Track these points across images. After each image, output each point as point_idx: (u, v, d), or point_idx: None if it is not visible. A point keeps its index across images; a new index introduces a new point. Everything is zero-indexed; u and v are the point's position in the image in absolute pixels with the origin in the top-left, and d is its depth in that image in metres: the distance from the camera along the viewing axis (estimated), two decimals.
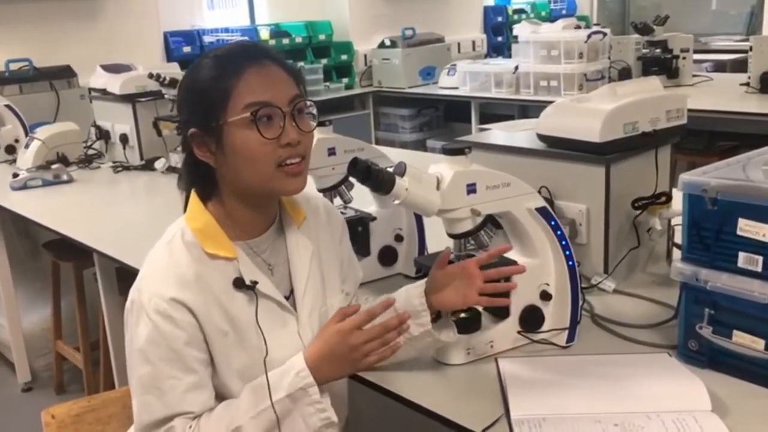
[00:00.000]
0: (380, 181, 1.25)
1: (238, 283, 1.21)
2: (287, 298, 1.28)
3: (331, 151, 1.69)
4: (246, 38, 5.15)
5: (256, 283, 1.22)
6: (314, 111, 1.25)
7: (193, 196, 1.27)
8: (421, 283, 1.33)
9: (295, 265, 1.30)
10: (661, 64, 4.35)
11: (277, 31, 5.49)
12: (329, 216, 1.41)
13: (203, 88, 1.19)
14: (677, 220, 1.52)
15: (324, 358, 1.20)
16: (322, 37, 5.60)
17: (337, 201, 1.76)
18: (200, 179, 1.26)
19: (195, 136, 1.20)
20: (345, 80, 5.65)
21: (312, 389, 1.17)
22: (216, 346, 1.20)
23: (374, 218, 1.76)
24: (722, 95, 4.06)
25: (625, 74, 4.34)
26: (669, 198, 1.67)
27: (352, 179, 1.63)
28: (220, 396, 1.22)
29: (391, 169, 1.27)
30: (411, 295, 1.31)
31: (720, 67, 5.63)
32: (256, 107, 1.15)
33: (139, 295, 1.19)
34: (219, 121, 1.17)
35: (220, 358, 1.20)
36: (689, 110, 1.75)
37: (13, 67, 3.94)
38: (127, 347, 1.21)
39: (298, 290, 1.29)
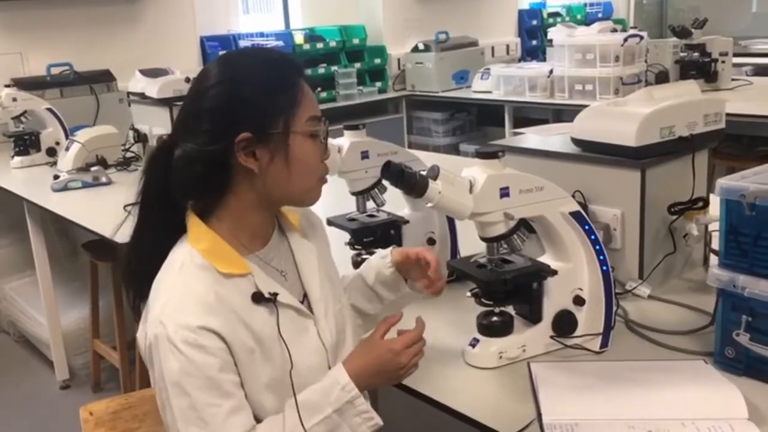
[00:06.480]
0: (413, 184, 1.26)
1: (257, 297, 1.19)
2: (302, 303, 1.28)
3: (365, 155, 1.70)
4: (277, 41, 5.20)
5: (275, 294, 1.20)
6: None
7: (192, 216, 1.21)
8: (385, 255, 1.40)
9: (305, 268, 1.30)
10: (700, 67, 4.28)
11: (312, 35, 5.53)
12: (312, 218, 1.41)
13: (264, 91, 1.15)
14: (714, 226, 1.50)
15: (372, 374, 1.20)
16: (355, 41, 5.62)
17: (370, 204, 1.77)
18: (207, 192, 1.20)
19: (245, 141, 1.15)
20: (378, 84, 5.66)
21: (358, 401, 1.17)
22: (245, 364, 1.17)
23: (407, 221, 1.76)
24: (762, 99, 3.98)
25: (662, 78, 4.28)
26: (706, 203, 1.65)
27: (385, 182, 1.64)
28: (253, 411, 1.19)
29: (424, 173, 1.28)
30: (381, 268, 1.40)
31: (761, 70, 5.51)
32: (318, 122, 1.20)
33: (163, 328, 1.12)
34: (283, 128, 1.16)
35: (249, 375, 1.17)
36: (728, 114, 1.72)
37: (55, 71, 4.02)
38: (157, 383, 1.15)
39: (313, 293, 1.29)
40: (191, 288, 1.15)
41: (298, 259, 1.30)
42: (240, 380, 1.17)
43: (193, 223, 1.21)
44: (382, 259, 1.41)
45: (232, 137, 1.14)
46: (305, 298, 1.29)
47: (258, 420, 1.18)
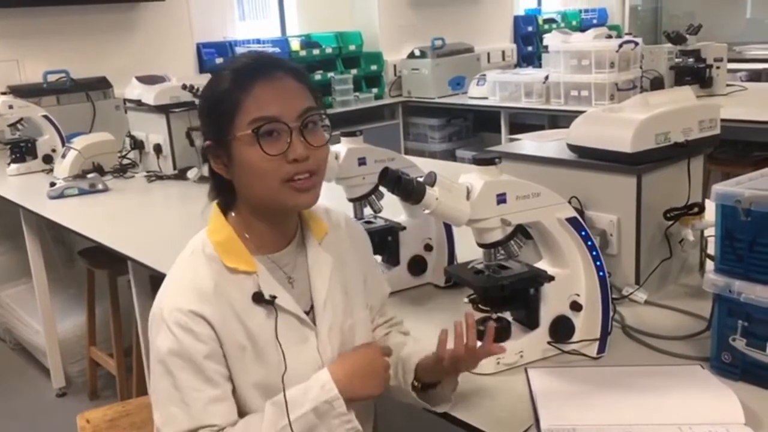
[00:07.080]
0: (411, 191, 1.26)
1: (257, 298, 1.20)
2: (308, 313, 1.27)
3: (362, 161, 1.70)
4: (273, 48, 5.21)
5: (274, 297, 1.21)
6: (327, 123, 1.23)
7: (216, 208, 1.27)
8: (429, 353, 1.28)
9: (315, 280, 1.29)
10: (695, 73, 4.30)
11: (308, 42, 5.54)
12: (351, 231, 1.39)
13: (216, 101, 1.19)
14: (710, 231, 1.50)
15: (355, 374, 1.19)
16: (352, 47, 5.64)
17: (368, 210, 1.78)
18: (221, 190, 1.26)
19: (210, 149, 1.22)
20: (375, 90, 5.67)
21: (337, 402, 1.15)
22: (234, 360, 1.19)
23: (404, 228, 1.76)
24: (757, 105, 4.00)
25: (657, 84, 4.30)
26: (702, 209, 1.66)
27: (382, 189, 1.64)
28: (239, 409, 1.20)
29: (421, 179, 1.28)
30: (411, 355, 1.29)
31: (755, 76, 5.54)
32: (259, 123, 1.14)
33: (159, 308, 1.19)
34: (228, 135, 1.16)
35: (238, 372, 1.19)
36: (723, 120, 1.73)
37: (51, 78, 4.03)
38: (151, 359, 1.20)
39: (318, 305, 1.28)
40: (194, 275, 1.21)
41: (311, 270, 1.29)
42: (228, 373, 1.19)
43: (215, 214, 1.27)
44: (420, 350, 1.30)
45: (204, 144, 1.23)
46: (312, 309, 1.28)
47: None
